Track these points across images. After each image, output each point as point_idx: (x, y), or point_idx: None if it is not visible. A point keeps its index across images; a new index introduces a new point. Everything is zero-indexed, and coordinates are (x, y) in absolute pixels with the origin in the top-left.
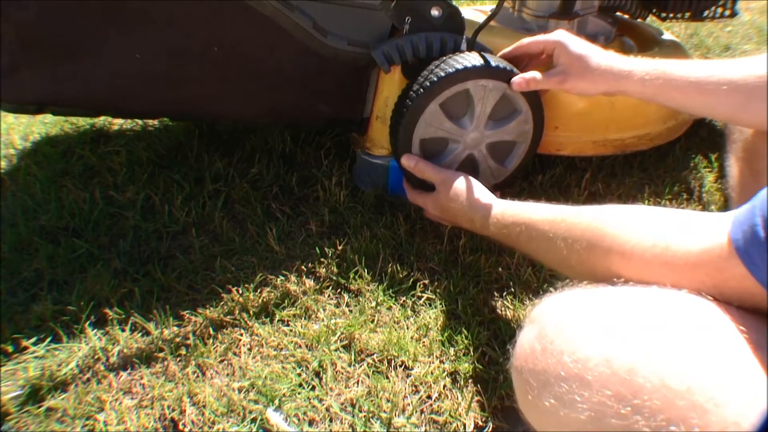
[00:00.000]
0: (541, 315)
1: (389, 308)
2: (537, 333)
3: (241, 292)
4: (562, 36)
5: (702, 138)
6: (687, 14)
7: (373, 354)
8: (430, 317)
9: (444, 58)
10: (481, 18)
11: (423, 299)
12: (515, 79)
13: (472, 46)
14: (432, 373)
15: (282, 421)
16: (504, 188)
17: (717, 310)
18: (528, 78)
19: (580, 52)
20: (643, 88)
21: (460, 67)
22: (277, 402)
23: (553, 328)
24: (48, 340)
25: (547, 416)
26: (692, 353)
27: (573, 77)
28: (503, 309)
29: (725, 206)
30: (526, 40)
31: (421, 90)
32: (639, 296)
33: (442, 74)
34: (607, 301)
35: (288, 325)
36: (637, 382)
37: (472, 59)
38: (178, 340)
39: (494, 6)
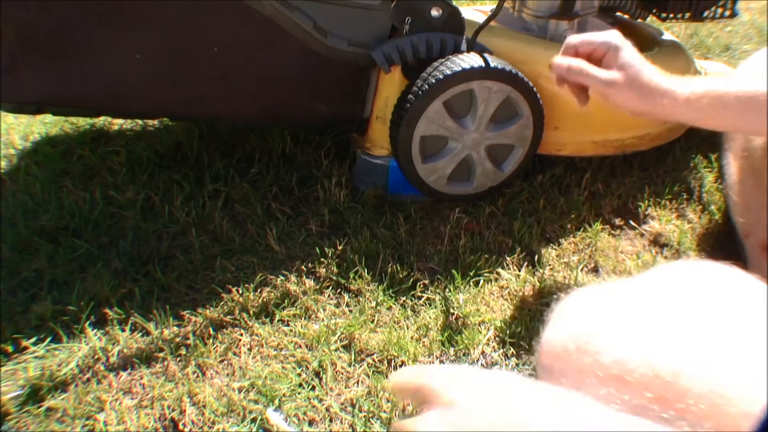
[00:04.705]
0: (571, 311)
1: (389, 308)
2: (569, 331)
3: (241, 292)
4: (617, 39)
5: (702, 138)
6: (687, 14)
7: (373, 354)
8: (430, 317)
9: (450, 57)
10: (481, 18)
11: (423, 299)
12: (557, 59)
13: (472, 46)
14: None
15: (282, 421)
16: (501, 188)
17: None
18: (574, 66)
19: (633, 62)
20: (688, 110)
21: (466, 66)
22: (277, 402)
23: (587, 326)
24: (48, 340)
25: None
26: (744, 356)
27: (621, 86)
28: (503, 309)
29: (725, 206)
30: (575, 40)
31: (426, 86)
32: (676, 290)
33: (449, 72)
34: (643, 297)
35: (288, 325)
36: (682, 385)
37: (478, 60)
38: (178, 340)
39: (494, 6)
